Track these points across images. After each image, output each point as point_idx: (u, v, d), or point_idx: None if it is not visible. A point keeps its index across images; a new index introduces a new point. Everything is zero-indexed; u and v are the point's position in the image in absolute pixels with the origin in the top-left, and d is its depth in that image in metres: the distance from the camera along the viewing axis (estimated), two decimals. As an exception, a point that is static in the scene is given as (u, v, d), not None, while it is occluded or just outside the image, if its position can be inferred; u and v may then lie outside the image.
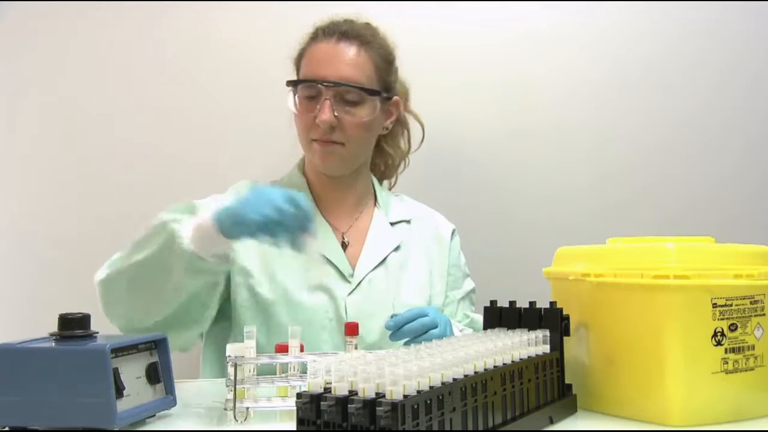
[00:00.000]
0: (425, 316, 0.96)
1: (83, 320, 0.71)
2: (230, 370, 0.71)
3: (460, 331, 1.10)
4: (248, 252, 1.05)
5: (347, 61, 1.06)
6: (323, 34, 1.09)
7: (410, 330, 0.94)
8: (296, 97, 1.07)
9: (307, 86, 1.05)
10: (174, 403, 0.76)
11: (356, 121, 1.06)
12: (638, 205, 1.40)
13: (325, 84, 1.04)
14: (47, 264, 1.35)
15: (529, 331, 0.73)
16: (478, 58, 1.41)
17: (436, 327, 0.96)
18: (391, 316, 0.96)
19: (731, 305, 0.70)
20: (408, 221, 1.17)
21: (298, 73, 1.11)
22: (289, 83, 1.07)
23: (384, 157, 1.23)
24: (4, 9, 1.37)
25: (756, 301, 0.71)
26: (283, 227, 0.81)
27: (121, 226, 1.35)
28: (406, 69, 1.22)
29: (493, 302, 0.80)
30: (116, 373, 0.67)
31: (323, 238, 1.08)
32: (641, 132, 1.42)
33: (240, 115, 1.39)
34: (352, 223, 1.13)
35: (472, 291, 1.20)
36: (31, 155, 1.39)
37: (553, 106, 1.42)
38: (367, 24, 1.11)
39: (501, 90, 1.42)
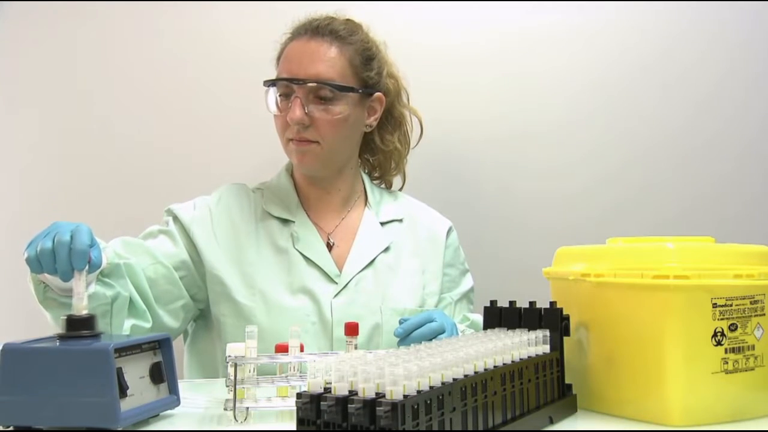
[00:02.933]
0: (433, 321, 0.95)
1: (89, 321, 0.71)
2: (230, 370, 0.71)
3: (463, 333, 1.10)
4: (222, 261, 1.05)
5: (318, 58, 1.05)
6: (298, 33, 1.09)
7: (419, 336, 0.93)
8: (276, 97, 1.07)
9: (280, 85, 1.05)
10: (177, 402, 0.76)
11: (329, 119, 1.04)
12: (638, 205, 1.40)
13: (294, 82, 1.04)
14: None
15: (529, 331, 0.73)
16: (477, 58, 1.41)
17: (444, 332, 0.95)
18: (400, 322, 0.96)
19: (731, 305, 0.70)
20: (400, 220, 1.16)
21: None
22: (265, 84, 1.07)
23: (376, 156, 1.21)
24: (5, 9, 1.38)
25: (756, 301, 0.71)
26: (54, 260, 0.76)
27: (122, 225, 1.36)
28: (404, 68, 1.22)
29: (493, 302, 0.80)
30: (120, 372, 0.68)
31: (308, 239, 1.08)
32: (641, 132, 1.42)
33: (240, 116, 1.39)
34: (338, 223, 1.12)
35: (471, 290, 1.19)
36: (31, 155, 1.39)
37: (553, 106, 1.42)
38: (347, 20, 1.11)
39: (501, 90, 1.42)
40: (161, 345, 0.76)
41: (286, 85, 1.05)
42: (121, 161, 1.39)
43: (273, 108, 1.07)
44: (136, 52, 1.39)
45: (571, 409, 0.75)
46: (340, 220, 1.13)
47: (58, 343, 0.69)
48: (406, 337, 0.94)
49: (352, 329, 0.82)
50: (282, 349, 0.79)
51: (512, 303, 0.79)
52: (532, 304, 0.77)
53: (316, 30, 1.07)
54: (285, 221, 1.10)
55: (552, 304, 0.76)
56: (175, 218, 1.08)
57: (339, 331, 1.00)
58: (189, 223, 1.07)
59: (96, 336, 0.71)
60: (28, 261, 0.80)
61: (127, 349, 0.71)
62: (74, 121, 1.39)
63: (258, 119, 1.29)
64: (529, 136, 1.42)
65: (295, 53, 1.07)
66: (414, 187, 1.29)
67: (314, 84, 1.03)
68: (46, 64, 1.39)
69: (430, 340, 0.93)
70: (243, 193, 1.13)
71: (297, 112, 1.03)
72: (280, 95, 1.07)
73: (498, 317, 0.78)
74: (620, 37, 1.43)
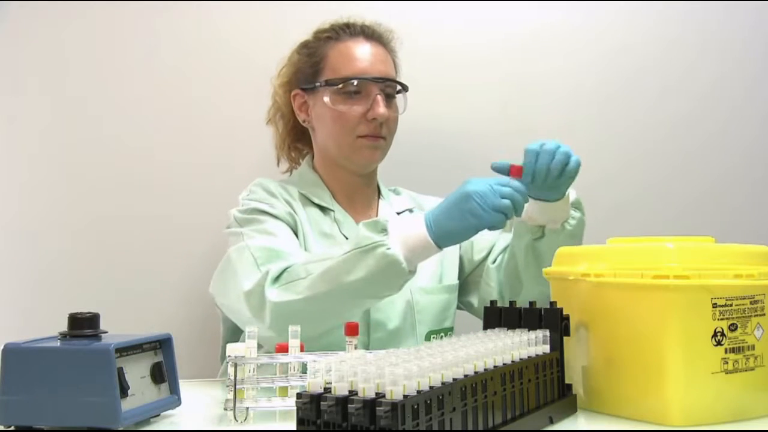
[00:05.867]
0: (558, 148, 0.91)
1: (92, 319, 0.71)
2: (230, 370, 0.72)
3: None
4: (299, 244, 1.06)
5: (381, 59, 1.11)
6: (347, 34, 1.11)
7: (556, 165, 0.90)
8: (332, 95, 1.07)
9: (352, 83, 1.07)
10: (178, 402, 0.76)
11: (395, 115, 1.12)
12: (638, 205, 1.40)
13: (379, 80, 1.07)
14: (55, 262, 1.35)
15: (529, 331, 0.73)
16: (474, 58, 1.41)
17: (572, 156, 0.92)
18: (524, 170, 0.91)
19: (731, 305, 0.70)
20: (411, 210, 1.20)
21: (316, 75, 1.11)
22: (332, 81, 1.07)
23: None
24: (4, 9, 1.38)
25: (756, 301, 0.71)
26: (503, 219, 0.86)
27: (122, 226, 1.36)
28: (406, 67, 1.22)
29: (493, 302, 0.80)
30: (121, 372, 0.68)
31: (350, 226, 1.10)
32: (641, 132, 1.42)
33: (240, 117, 1.39)
34: (368, 214, 1.15)
35: None
36: (31, 155, 1.39)
37: (552, 106, 1.42)
38: (379, 24, 1.15)
39: (500, 90, 1.42)
40: (162, 345, 0.77)
41: (357, 82, 1.06)
42: (125, 162, 1.39)
43: (343, 106, 1.07)
44: (139, 52, 1.39)
45: (571, 409, 0.75)
46: (369, 211, 1.16)
47: (59, 343, 0.69)
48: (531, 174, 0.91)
49: (351, 329, 0.82)
50: (282, 349, 0.79)
51: (512, 303, 0.79)
52: (532, 304, 0.77)
53: (370, 35, 1.12)
54: (324, 209, 1.12)
55: (552, 304, 0.77)
56: (268, 214, 1.05)
57: (375, 315, 1.04)
58: (281, 215, 1.06)
59: (97, 335, 0.71)
60: (510, 207, 0.85)
61: (128, 349, 0.71)
62: (74, 121, 1.39)
63: (258, 120, 1.30)
64: (529, 136, 1.41)
65: (358, 53, 1.09)
66: (414, 185, 1.29)
67: (390, 81, 1.09)
68: (47, 63, 1.39)
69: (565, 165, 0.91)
70: (277, 184, 1.13)
71: (384, 108, 1.07)
72: (347, 93, 1.07)
73: (498, 317, 0.78)
74: (619, 37, 1.43)
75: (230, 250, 1.01)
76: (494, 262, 1.12)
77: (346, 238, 1.07)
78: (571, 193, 1.01)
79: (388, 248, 0.87)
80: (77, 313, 0.71)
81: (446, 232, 0.87)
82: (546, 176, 0.91)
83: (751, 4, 1.42)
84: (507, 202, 0.86)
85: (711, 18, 1.43)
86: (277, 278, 0.93)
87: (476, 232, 0.88)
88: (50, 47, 1.38)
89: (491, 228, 0.87)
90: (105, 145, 1.38)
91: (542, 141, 0.93)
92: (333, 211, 1.12)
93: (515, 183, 0.88)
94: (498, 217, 0.86)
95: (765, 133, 1.43)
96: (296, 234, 1.06)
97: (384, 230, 0.89)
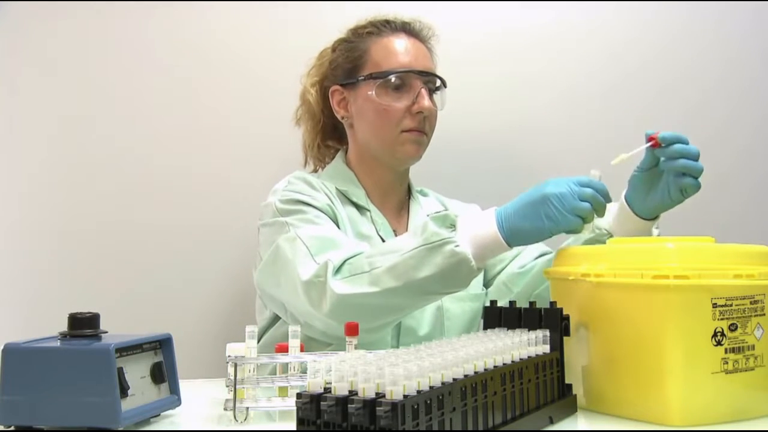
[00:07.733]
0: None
1: (92, 320, 0.71)
2: (230, 370, 0.72)
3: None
4: None
5: (424, 54, 1.11)
6: (388, 29, 1.11)
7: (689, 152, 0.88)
8: (376, 89, 1.06)
9: (398, 76, 1.06)
10: (178, 402, 0.76)
11: (436, 111, 1.11)
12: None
13: (423, 74, 1.07)
14: (55, 263, 1.35)
15: (529, 331, 0.73)
16: (473, 57, 1.41)
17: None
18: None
19: (731, 305, 0.70)
20: (438, 213, 1.19)
21: (357, 70, 1.10)
22: (377, 75, 1.07)
23: None
24: (4, 9, 1.38)
25: (756, 301, 0.72)
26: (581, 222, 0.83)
27: (121, 226, 1.36)
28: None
29: (493, 302, 0.80)
30: (121, 372, 0.68)
31: (386, 229, 1.10)
32: (640, 131, 1.42)
33: (240, 117, 1.39)
34: (400, 215, 1.15)
35: None
36: (32, 157, 1.39)
37: (551, 106, 1.42)
38: (418, 21, 1.15)
39: (499, 90, 1.42)
40: (162, 345, 0.77)
41: (401, 76, 1.06)
42: (121, 163, 1.39)
43: (388, 99, 1.06)
44: (141, 53, 1.39)
45: (571, 409, 0.75)
46: (402, 211, 1.15)
47: (59, 343, 0.69)
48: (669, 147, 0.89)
49: (351, 329, 0.82)
50: (282, 349, 0.79)
51: (512, 303, 0.79)
52: (532, 304, 0.78)
53: (410, 31, 1.11)
54: (360, 208, 1.11)
55: (552, 304, 0.77)
56: (310, 205, 1.03)
57: (406, 321, 1.03)
58: (323, 208, 1.04)
59: (97, 335, 0.71)
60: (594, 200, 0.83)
61: (128, 349, 0.71)
62: (74, 123, 1.39)
63: (263, 122, 1.30)
64: (528, 136, 1.42)
65: (401, 47, 1.09)
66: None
67: (434, 76, 1.09)
68: (48, 63, 1.39)
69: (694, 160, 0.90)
70: (312, 178, 1.10)
71: (429, 102, 1.07)
72: (393, 87, 1.07)
73: (498, 317, 0.78)
74: (618, 37, 1.43)
75: (279, 240, 0.97)
76: (522, 267, 1.10)
77: (383, 240, 1.06)
78: (654, 232, 1.00)
79: (457, 245, 0.83)
80: (77, 313, 0.71)
81: (518, 231, 0.84)
82: (673, 159, 0.89)
83: (750, 4, 1.42)
84: (587, 205, 0.82)
85: (711, 17, 1.43)
86: (338, 269, 0.90)
87: (551, 236, 0.84)
88: (50, 47, 1.38)
89: (568, 232, 0.84)
90: (105, 146, 1.38)
91: None
92: (369, 211, 1.10)
93: (597, 183, 0.85)
94: (575, 221, 0.82)
95: (765, 133, 1.43)
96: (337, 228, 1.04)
97: (452, 226, 0.86)
